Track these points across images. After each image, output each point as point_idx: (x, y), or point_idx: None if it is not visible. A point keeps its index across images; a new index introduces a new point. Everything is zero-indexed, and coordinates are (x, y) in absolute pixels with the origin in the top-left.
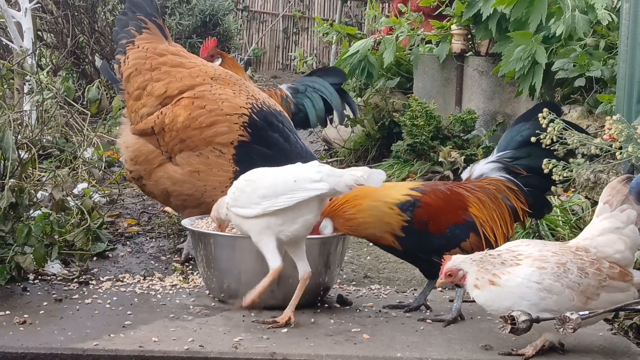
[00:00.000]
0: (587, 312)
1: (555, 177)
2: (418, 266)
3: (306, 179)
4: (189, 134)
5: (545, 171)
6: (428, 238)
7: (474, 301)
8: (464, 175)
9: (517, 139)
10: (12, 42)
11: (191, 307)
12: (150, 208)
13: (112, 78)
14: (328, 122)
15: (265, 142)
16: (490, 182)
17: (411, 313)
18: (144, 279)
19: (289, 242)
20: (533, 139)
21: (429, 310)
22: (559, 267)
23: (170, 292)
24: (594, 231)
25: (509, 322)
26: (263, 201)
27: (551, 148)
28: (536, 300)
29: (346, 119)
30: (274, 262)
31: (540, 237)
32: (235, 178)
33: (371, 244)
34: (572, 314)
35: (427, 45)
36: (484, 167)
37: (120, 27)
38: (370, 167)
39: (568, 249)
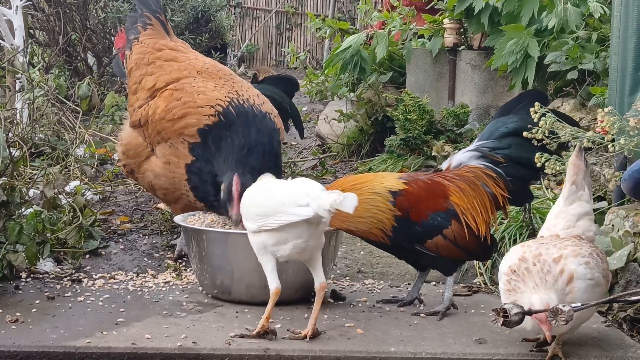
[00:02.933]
0: (579, 304)
1: (547, 170)
2: (404, 258)
3: (293, 202)
4: (164, 125)
5: (538, 165)
6: (410, 226)
7: (468, 295)
8: (444, 165)
9: (501, 130)
10: (3, 40)
11: (184, 303)
12: (143, 205)
13: (122, 74)
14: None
15: (233, 134)
16: (469, 170)
17: (405, 307)
18: (137, 276)
19: (297, 258)
20: (526, 134)
21: (422, 304)
22: (593, 257)
23: (163, 288)
24: (573, 218)
25: (501, 314)
26: (258, 219)
27: (542, 143)
28: (591, 297)
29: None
30: (272, 283)
31: (534, 230)
32: (190, 168)
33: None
34: (564, 306)
35: (420, 39)
36: (462, 156)
37: (131, 23)
38: (364, 162)
39: (576, 239)
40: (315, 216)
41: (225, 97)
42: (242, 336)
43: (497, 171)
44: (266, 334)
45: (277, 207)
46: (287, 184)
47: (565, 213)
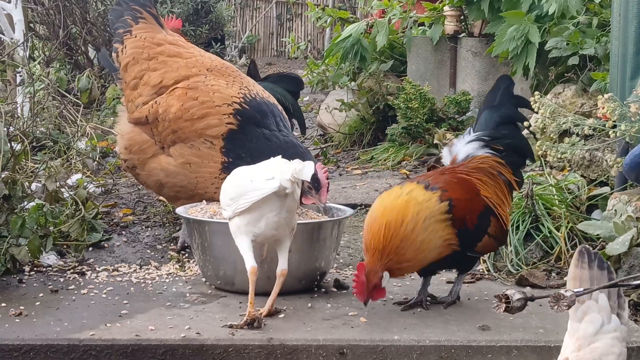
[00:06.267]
0: (581, 289)
1: (549, 158)
2: (453, 267)
3: (260, 177)
4: (181, 125)
5: (540, 153)
6: (468, 234)
7: (471, 282)
8: (446, 159)
9: (495, 120)
10: (3, 34)
11: (187, 294)
12: (145, 197)
13: (111, 67)
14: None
15: (253, 132)
16: (482, 160)
17: (407, 295)
18: (140, 268)
19: (268, 241)
20: (526, 124)
21: (436, 299)
22: None
23: (167, 280)
24: (585, 337)
25: (503, 300)
26: (232, 203)
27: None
28: None
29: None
30: (248, 262)
31: (537, 216)
32: (224, 169)
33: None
34: (566, 291)
35: (420, 27)
36: (468, 147)
37: (115, 17)
38: (366, 151)
39: None
40: (281, 187)
41: (238, 93)
42: (230, 326)
43: (503, 158)
44: (253, 321)
45: (247, 186)
46: (256, 166)
47: (574, 331)
